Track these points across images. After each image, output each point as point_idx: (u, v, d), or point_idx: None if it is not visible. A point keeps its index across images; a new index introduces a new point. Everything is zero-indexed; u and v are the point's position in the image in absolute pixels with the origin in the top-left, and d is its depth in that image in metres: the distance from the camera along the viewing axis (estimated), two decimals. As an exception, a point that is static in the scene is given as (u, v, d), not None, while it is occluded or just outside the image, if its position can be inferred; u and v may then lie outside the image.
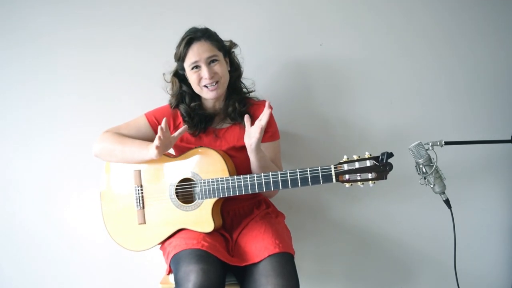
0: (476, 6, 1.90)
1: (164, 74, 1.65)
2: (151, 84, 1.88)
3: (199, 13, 1.87)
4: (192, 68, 1.53)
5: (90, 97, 1.92)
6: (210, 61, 1.52)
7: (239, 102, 1.59)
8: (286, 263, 1.36)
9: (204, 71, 1.51)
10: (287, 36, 1.90)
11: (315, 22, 1.90)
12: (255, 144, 1.44)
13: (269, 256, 1.36)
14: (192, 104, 1.59)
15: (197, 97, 1.61)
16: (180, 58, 1.55)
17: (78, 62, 1.91)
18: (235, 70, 1.63)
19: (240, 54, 1.66)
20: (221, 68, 1.54)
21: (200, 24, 1.58)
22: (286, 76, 1.91)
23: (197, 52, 1.51)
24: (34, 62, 1.91)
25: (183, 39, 1.54)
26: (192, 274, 1.28)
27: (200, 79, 1.52)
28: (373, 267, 1.99)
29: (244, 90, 1.67)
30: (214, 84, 1.52)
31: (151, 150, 1.43)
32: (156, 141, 1.41)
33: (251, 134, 1.44)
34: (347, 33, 1.91)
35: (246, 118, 1.47)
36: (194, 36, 1.52)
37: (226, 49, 1.60)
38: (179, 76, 1.61)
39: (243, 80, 1.67)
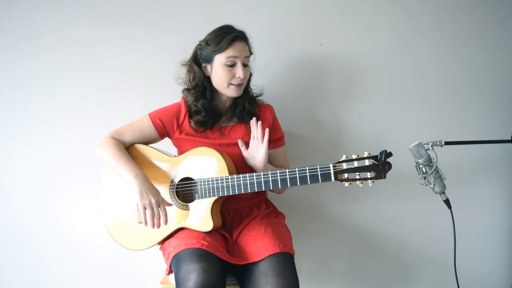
0: (476, 6, 1.90)
1: (183, 61, 1.63)
2: (151, 84, 1.90)
3: (199, 12, 1.87)
4: (227, 64, 1.53)
5: (91, 97, 1.92)
6: (244, 63, 1.55)
7: (249, 101, 1.63)
8: (286, 263, 1.36)
9: (240, 70, 1.53)
10: (287, 35, 1.90)
11: (315, 22, 1.90)
12: (263, 164, 1.53)
13: (269, 255, 1.36)
14: (214, 103, 1.61)
15: (215, 94, 1.62)
16: (217, 50, 1.53)
17: (79, 62, 1.91)
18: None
19: (253, 61, 1.67)
20: (248, 72, 1.59)
21: (220, 23, 1.60)
22: (286, 76, 1.91)
23: (239, 50, 1.53)
24: (35, 62, 1.91)
25: (226, 33, 1.53)
26: (193, 273, 1.28)
27: (232, 76, 1.54)
28: (373, 267, 1.99)
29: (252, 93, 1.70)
30: (240, 85, 1.56)
31: (135, 180, 1.45)
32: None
33: (257, 156, 1.54)
34: (347, 33, 1.91)
35: (240, 143, 1.57)
36: (240, 35, 1.55)
37: None
38: (199, 66, 1.60)
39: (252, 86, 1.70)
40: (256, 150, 1.55)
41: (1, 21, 1.90)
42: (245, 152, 1.57)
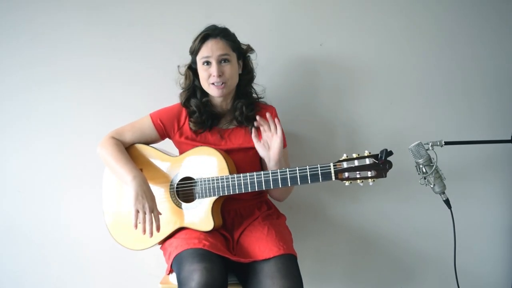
0: (476, 6, 1.91)
1: (178, 66, 1.65)
2: (152, 83, 1.90)
3: (198, 13, 1.88)
4: (203, 64, 1.54)
5: (91, 97, 1.92)
6: (222, 60, 1.53)
7: (246, 106, 1.60)
8: (291, 264, 1.36)
9: (213, 68, 1.52)
10: (287, 36, 1.91)
11: (315, 22, 1.91)
12: (277, 156, 1.50)
13: (274, 257, 1.36)
14: (204, 99, 1.60)
15: (207, 93, 1.61)
16: (194, 51, 1.57)
17: (78, 62, 1.91)
18: (247, 73, 1.64)
19: (255, 59, 1.67)
20: (231, 69, 1.55)
21: (220, 23, 1.60)
22: (286, 76, 1.91)
23: (211, 48, 1.52)
24: (35, 64, 1.91)
25: (200, 34, 1.55)
26: (195, 273, 1.28)
27: (209, 75, 1.53)
28: (373, 267, 1.99)
29: (254, 95, 1.68)
30: (220, 83, 1.53)
31: (133, 182, 1.45)
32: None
33: (272, 147, 1.51)
34: (347, 33, 1.92)
35: (254, 134, 1.54)
36: (211, 33, 1.54)
37: (241, 52, 1.61)
38: (193, 70, 1.61)
39: (254, 86, 1.68)
40: (270, 141, 1.52)
41: (2, 24, 1.91)
42: (258, 144, 1.54)
